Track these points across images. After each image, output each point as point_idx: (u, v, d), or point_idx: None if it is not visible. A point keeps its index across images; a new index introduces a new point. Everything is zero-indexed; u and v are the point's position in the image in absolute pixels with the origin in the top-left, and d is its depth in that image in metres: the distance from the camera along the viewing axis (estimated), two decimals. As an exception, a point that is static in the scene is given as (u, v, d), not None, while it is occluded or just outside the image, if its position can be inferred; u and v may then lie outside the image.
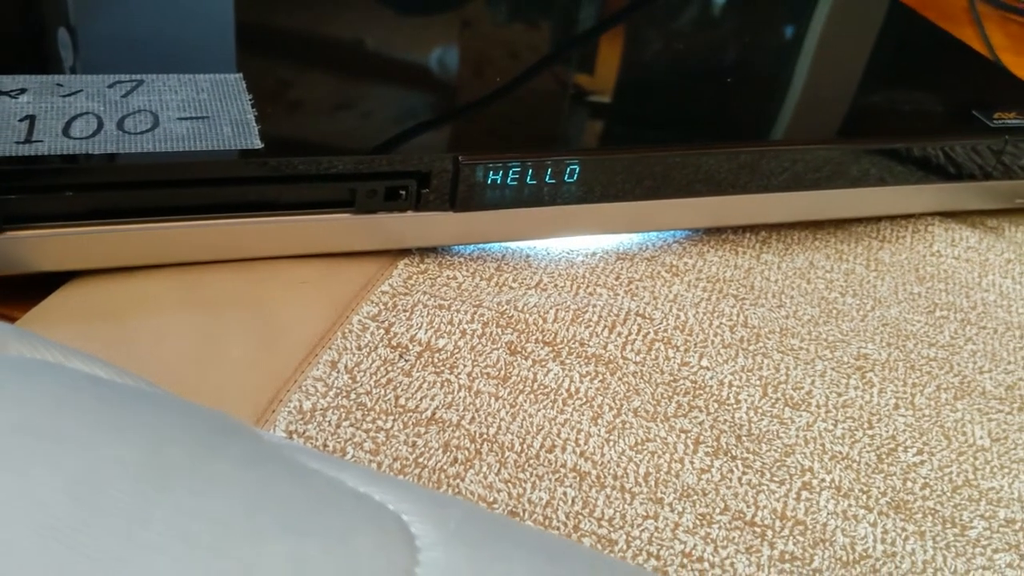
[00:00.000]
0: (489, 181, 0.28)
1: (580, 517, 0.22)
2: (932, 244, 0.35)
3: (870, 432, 0.26)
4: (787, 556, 0.23)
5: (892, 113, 0.35)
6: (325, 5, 0.35)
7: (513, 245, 0.31)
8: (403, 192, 0.28)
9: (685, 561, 0.22)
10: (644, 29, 0.38)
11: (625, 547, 0.22)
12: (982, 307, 0.32)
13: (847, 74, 0.37)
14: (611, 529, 0.22)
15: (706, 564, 0.22)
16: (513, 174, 0.29)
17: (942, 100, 0.36)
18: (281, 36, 0.32)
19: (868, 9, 0.44)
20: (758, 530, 0.23)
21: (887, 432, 0.27)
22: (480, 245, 0.30)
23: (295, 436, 0.23)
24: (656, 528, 0.23)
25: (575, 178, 0.29)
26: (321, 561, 0.14)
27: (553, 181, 0.29)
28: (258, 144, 0.26)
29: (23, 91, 0.27)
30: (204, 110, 0.27)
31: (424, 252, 0.30)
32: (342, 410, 0.24)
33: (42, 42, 0.30)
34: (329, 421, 0.23)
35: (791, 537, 0.23)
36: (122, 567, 0.13)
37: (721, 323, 0.29)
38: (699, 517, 0.23)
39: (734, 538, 0.23)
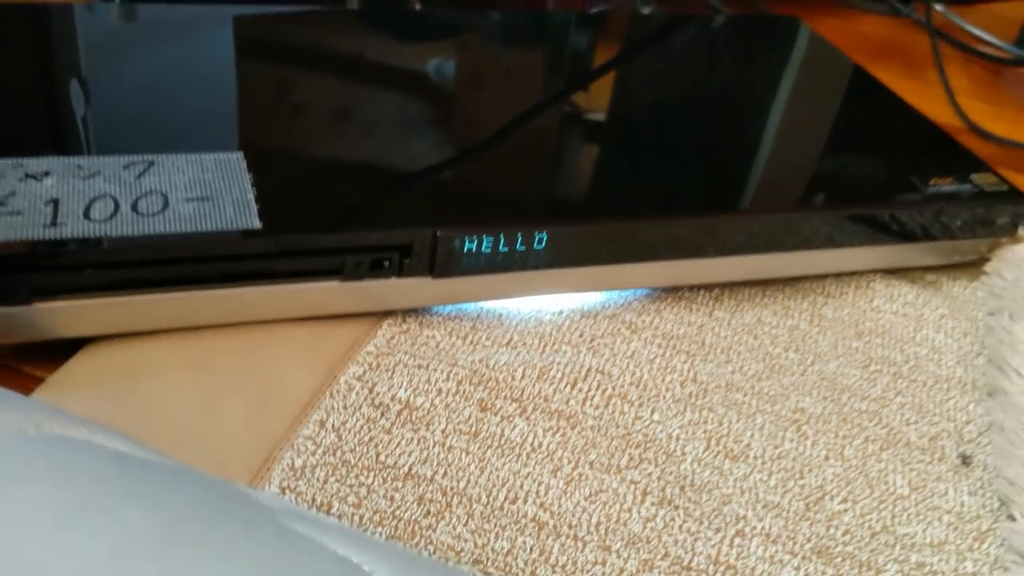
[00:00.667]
0: (464, 250, 0.32)
1: (537, 564, 0.26)
2: (872, 300, 0.38)
3: (801, 482, 0.30)
4: (717, 598, 0.26)
5: (839, 181, 0.38)
6: (315, 87, 0.38)
7: (487, 305, 0.34)
8: (387, 263, 0.31)
9: (627, 603, 0.25)
10: (609, 103, 0.41)
11: (575, 590, 0.25)
12: (914, 360, 0.36)
13: (799, 145, 0.40)
14: (564, 573, 0.26)
15: (645, 606, 0.25)
16: (486, 244, 0.32)
17: (886, 168, 0.39)
18: (276, 118, 0.36)
19: (824, 79, 0.47)
20: (693, 574, 0.26)
21: (816, 482, 0.30)
22: (457, 306, 0.34)
23: (287, 491, 0.26)
24: (604, 572, 0.26)
25: (543, 246, 0.33)
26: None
27: (523, 248, 0.32)
28: (257, 224, 0.29)
29: (47, 174, 0.30)
30: (208, 190, 0.30)
31: (406, 313, 0.33)
32: (329, 467, 0.27)
33: (61, 123, 0.33)
34: (317, 477, 0.27)
35: (722, 580, 0.26)
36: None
37: (672, 379, 0.32)
38: (642, 563, 0.26)
39: (671, 582, 0.26)
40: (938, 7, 0.73)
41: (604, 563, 0.26)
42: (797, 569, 0.27)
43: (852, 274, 0.39)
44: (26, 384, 0.29)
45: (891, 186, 0.38)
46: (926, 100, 0.61)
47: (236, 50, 0.39)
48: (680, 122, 0.40)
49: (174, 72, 0.37)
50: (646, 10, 0.52)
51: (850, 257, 0.38)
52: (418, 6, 0.51)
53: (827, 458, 0.31)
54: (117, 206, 0.29)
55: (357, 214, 0.31)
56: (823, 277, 0.39)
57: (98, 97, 0.34)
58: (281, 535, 0.20)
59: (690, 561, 0.27)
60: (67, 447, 0.20)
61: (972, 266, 0.41)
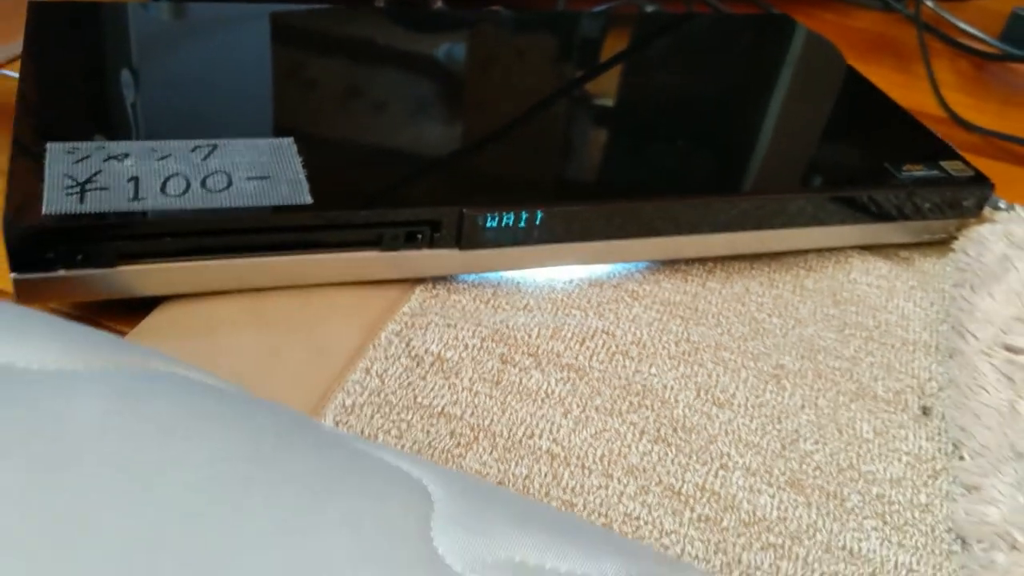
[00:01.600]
0: (487, 226, 0.36)
1: (550, 487, 0.30)
2: (850, 272, 0.43)
3: (778, 426, 0.34)
4: (703, 517, 0.31)
5: (823, 166, 0.42)
6: (350, 78, 0.43)
7: (507, 274, 0.39)
8: (420, 235, 0.36)
9: (626, 519, 0.30)
10: (615, 93, 0.46)
11: (582, 508, 0.30)
12: (885, 326, 0.40)
13: (788, 133, 0.45)
14: (572, 496, 0.30)
15: (641, 522, 0.30)
16: (506, 220, 0.36)
17: (865, 155, 0.44)
18: (319, 106, 0.40)
19: (814, 74, 0.51)
20: (683, 498, 0.31)
21: (792, 427, 0.34)
22: (480, 275, 0.38)
23: (340, 425, 0.31)
24: (606, 495, 0.30)
25: (556, 223, 0.37)
26: (371, 511, 0.22)
27: (538, 224, 0.37)
28: (308, 200, 0.34)
29: (127, 155, 0.35)
30: (266, 171, 0.35)
31: (436, 281, 0.38)
32: (374, 406, 0.32)
33: (133, 111, 0.37)
34: (365, 414, 0.31)
35: (707, 504, 0.31)
36: (241, 515, 0.21)
37: (668, 339, 0.37)
38: (639, 488, 0.31)
39: (664, 504, 0.31)
40: (928, 2, 0.77)
41: (607, 487, 0.31)
42: (772, 497, 0.32)
43: (832, 250, 0.44)
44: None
45: (869, 171, 0.43)
46: (913, 92, 0.65)
47: (276, 45, 0.44)
48: (679, 112, 0.44)
49: (225, 65, 0.41)
50: (650, 8, 0.57)
51: (831, 235, 0.43)
52: (439, 4, 0.55)
53: (802, 407, 0.35)
54: (188, 184, 0.34)
55: (393, 193, 0.35)
56: (806, 252, 0.43)
57: (161, 88, 0.39)
58: (347, 449, 0.24)
59: (680, 488, 0.31)
60: (170, 380, 0.25)
61: (941, 244, 0.45)
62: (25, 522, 0.20)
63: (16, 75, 0.47)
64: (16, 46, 0.49)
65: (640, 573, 0.23)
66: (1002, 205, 0.48)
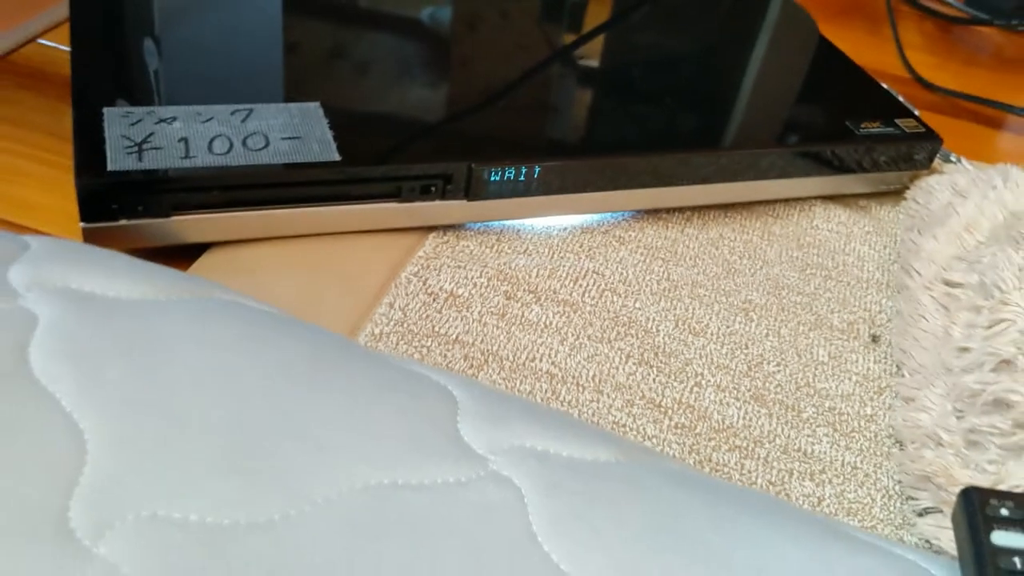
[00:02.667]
0: (492, 179, 0.41)
1: (550, 401, 0.36)
2: (813, 220, 0.48)
3: (746, 352, 0.40)
4: (680, 425, 0.36)
5: (790, 124, 0.47)
6: (370, 47, 0.47)
7: (509, 223, 0.44)
8: (433, 188, 0.41)
9: (615, 427, 0.35)
10: (602, 58, 0.51)
11: (577, 417, 0.35)
12: (842, 267, 0.45)
13: (760, 94, 0.50)
14: (569, 408, 0.36)
15: (627, 429, 0.35)
16: (508, 174, 0.41)
17: (828, 114, 0.49)
18: (341, 73, 0.45)
19: (786, 40, 0.56)
20: (662, 409, 0.36)
21: (757, 351, 0.40)
22: (486, 223, 0.43)
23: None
24: (597, 408, 0.36)
25: (551, 176, 0.42)
26: (412, 406, 0.27)
27: (536, 178, 0.42)
28: (337, 158, 0.39)
29: (175, 118, 0.39)
30: (298, 131, 0.40)
31: (447, 228, 0.43)
32: (398, 334, 0.37)
33: (176, 79, 0.42)
34: (391, 341, 0.36)
35: (683, 414, 0.36)
36: (312, 401, 0.26)
37: (651, 278, 0.42)
38: (625, 402, 0.36)
39: (647, 414, 0.36)
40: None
41: (598, 402, 0.36)
42: (739, 409, 0.37)
43: (797, 200, 0.49)
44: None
45: (831, 128, 0.48)
46: (881, 54, 0.70)
47: (298, 15, 0.48)
48: (662, 74, 0.49)
49: (257, 35, 0.46)
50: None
51: (796, 186, 0.48)
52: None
53: (767, 335, 0.41)
54: (231, 144, 0.38)
55: (409, 150, 0.40)
56: (774, 202, 0.48)
57: (198, 56, 0.44)
58: (385, 361, 0.30)
59: (660, 401, 0.37)
60: (235, 305, 0.30)
61: (896, 193, 0.51)
62: (139, 415, 0.25)
63: (52, 44, 0.52)
64: (24, 28, 0.53)
65: (629, 459, 0.29)
66: (952, 158, 0.53)
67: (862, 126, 0.48)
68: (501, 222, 0.44)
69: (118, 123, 0.38)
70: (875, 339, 0.42)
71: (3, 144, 0.44)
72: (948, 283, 0.41)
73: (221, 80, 0.42)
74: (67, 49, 0.51)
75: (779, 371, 0.39)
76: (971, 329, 0.37)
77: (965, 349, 0.37)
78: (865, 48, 0.70)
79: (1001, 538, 0.26)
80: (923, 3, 0.77)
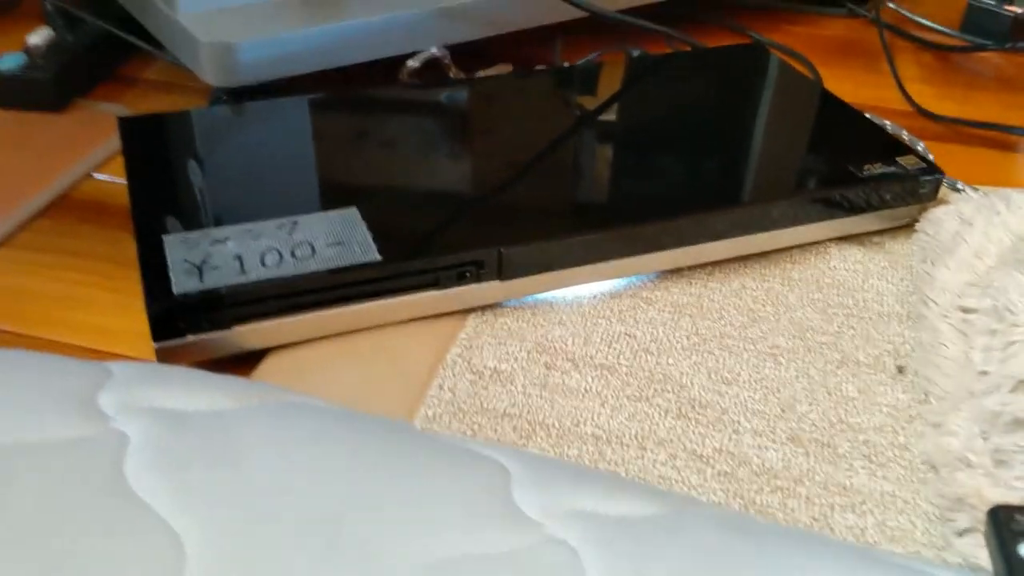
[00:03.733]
0: (522, 262, 0.44)
1: (596, 462, 0.38)
2: (829, 261, 0.50)
3: (778, 395, 0.42)
4: (722, 472, 0.38)
5: (798, 174, 0.50)
6: (393, 150, 0.51)
7: (541, 296, 0.47)
8: (468, 274, 0.44)
9: (660, 481, 0.38)
10: (615, 132, 0.54)
11: (624, 476, 0.38)
12: (863, 303, 0.48)
13: (767, 149, 0.52)
14: (615, 467, 0.38)
15: (672, 481, 0.38)
16: (536, 253, 0.45)
17: (833, 160, 0.51)
18: (371, 177, 0.49)
19: (786, 97, 0.59)
20: (704, 459, 0.39)
21: (789, 394, 0.42)
22: (520, 299, 0.46)
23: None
24: (643, 464, 0.38)
25: (577, 250, 0.45)
26: (470, 482, 0.30)
27: (562, 253, 0.45)
28: (378, 258, 0.42)
29: (227, 238, 0.43)
30: (340, 237, 0.43)
31: (485, 308, 0.46)
32: (450, 414, 0.40)
33: (221, 201, 0.46)
34: (444, 421, 0.39)
35: (724, 461, 0.39)
36: (381, 491, 0.29)
37: (680, 334, 0.45)
38: (668, 456, 0.39)
39: (690, 466, 0.38)
40: (889, 3, 0.85)
41: (642, 458, 0.39)
42: (777, 451, 0.39)
43: (813, 244, 0.51)
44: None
45: (837, 174, 0.50)
46: (881, 89, 0.72)
47: (322, 127, 0.52)
48: (673, 141, 0.52)
49: (288, 151, 0.50)
50: (635, 53, 0.65)
51: (810, 231, 0.50)
52: (452, 73, 0.64)
53: (797, 377, 0.43)
54: (281, 256, 0.42)
55: (443, 241, 0.44)
56: (790, 248, 0.51)
57: (239, 177, 0.48)
58: (442, 443, 0.32)
59: (701, 452, 0.39)
60: (304, 406, 0.33)
61: (907, 227, 0.53)
62: (229, 514, 0.28)
63: (106, 178, 0.56)
64: (80, 165, 0.58)
65: (674, 510, 0.31)
66: (959, 186, 0.55)
67: (865, 168, 0.51)
68: (535, 296, 0.47)
69: (178, 248, 0.42)
70: (901, 370, 0.44)
71: (73, 276, 0.48)
72: (964, 309, 0.43)
73: (265, 195, 0.46)
74: (120, 181, 0.56)
75: (812, 411, 0.41)
76: (988, 352, 0.39)
77: (984, 372, 0.39)
78: (865, 86, 0.73)
79: (1029, 550, 0.28)
80: (918, 35, 0.80)
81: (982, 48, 0.77)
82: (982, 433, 0.37)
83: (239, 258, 0.42)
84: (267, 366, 0.42)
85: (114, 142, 0.59)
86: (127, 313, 0.46)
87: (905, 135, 0.63)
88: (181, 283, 0.40)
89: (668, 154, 0.51)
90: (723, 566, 0.28)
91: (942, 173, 0.51)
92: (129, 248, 0.50)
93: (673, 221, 0.46)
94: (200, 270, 0.41)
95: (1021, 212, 0.47)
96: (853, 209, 0.50)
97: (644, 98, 0.58)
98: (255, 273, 0.41)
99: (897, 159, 0.52)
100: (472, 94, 0.57)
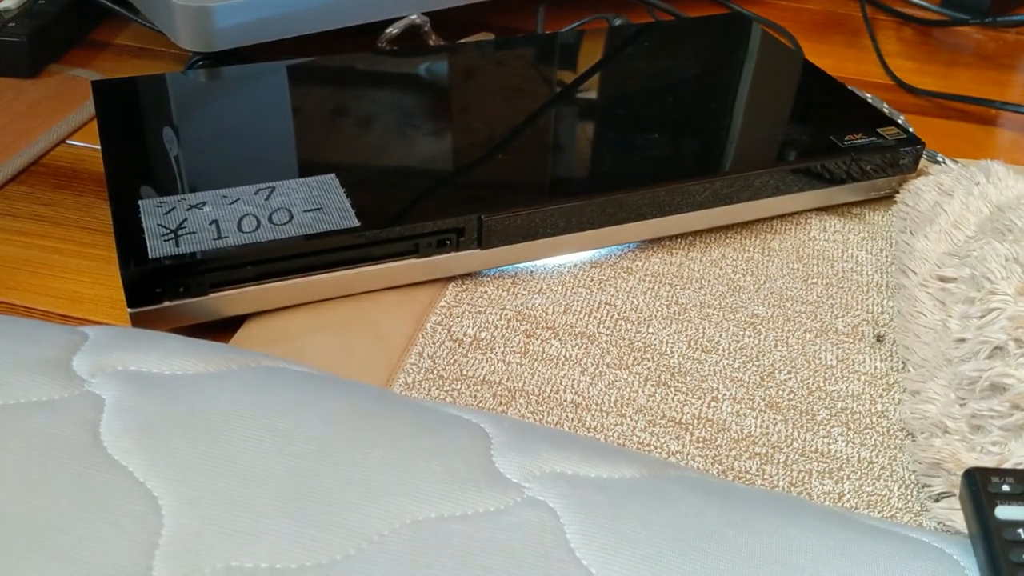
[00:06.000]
0: (502, 227, 0.44)
1: (577, 428, 0.38)
2: (809, 232, 0.50)
3: (757, 363, 0.42)
4: (701, 439, 0.38)
5: (779, 144, 0.50)
6: (372, 116, 0.50)
7: (521, 265, 0.46)
8: (448, 242, 0.44)
9: (640, 447, 0.38)
10: (597, 100, 0.54)
11: (604, 441, 0.38)
12: (842, 273, 0.48)
13: (749, 119, 0.52)
14: (595, 433, 0.38)
15: (651, 447, 0.38)
16: (516, 221, 0.44)
17: (814, 130, 0.51)
18: (350, 144, 0.48)
19: (768, 67, 0.59)
20: (683, 426, 0.39)
21: (768, 362, 0.42)
22: (500, 268, 0.46)
23: (406, 398, 0.39)
24: (622, 431, 0.38)
25: (557, 218, 0.45)
26: (449, 445, 0.30)
27: (543, 222, 0.45)
28: (356, 223, 0.42)
29: (204, 203, 0.42)
30: (318, 203, 0.43)
31: (464, 277, 0.45)
32: (429, 381, 0.39)
33: (198, 166, 0.45)
34: (424, 388, 0.39)
35: (704, 428, 0.39)
36: (358, 453, 0.29)
37: (660, 303, 0.45)
38: (648, 423, 0.39)
39: (669, 432, 0.38)
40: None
41: (622, 425, 0.39)
42: (756, 418, 0.39)
43: (793, 214, 0.51)
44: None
45: (818, 144, 0.50)
46: (863, 64, 0.72)
47: (304, 93, 0.52)
48: (655, 110, 0.52)
49: (265, 116, 0.49)
50: (617, 22, 0.64)
51: (791, 202, 0.50)
52: (432, 41, 0.63)
53: (776, 346, 0.43)
54: (259, 221, 0.42)
55: (423, 208, 0.43)
56: (771, 219, 0.51)
57: (216, 142, 0.47)
58: (421, 407, 0.32)
59: (680, 419, 0.39)
60: (280, 371, 0.33)
61: (887, 199, 0.53)
62: (205, 477, 0.28)
63: (80, 144, 0.55)
64: (53, 131, 0.57)
65: (651, 473, 0.31)
66: (939, 158, 0.55)
67: (846, 139, 0.51)
68: (515, 265, 0.46)
69: (153, 213, 0.42)
70: (879, 339, 0.44)
71: (47, 243, 0.47)
72: (942, 279, 0.44)
73: (242, 161, 0.46)
74: (94, 147, 0.55)
75: (790, 378, 0.41)
76: (966, 320, 0.39)
77: (962, 340, 0.39)
78: (847, 60, 0.73)
79: (1004, 512, 0.29)
80: (900, 10, 0.80)
81: (963, 23, 0.77)
82: (959, 399, 0.37)
83: (215, 223, 0.41)
84: (245, 333, 0.42)
85: (88, 108, 0.58)
86: (102, 279, 0.45)
87: (886, 108, 0.63)
88: (157, 248, 0.40)
89: (649, 124, 0.51)
90: (700, 526, 0.28)
91: (922, 144, 0.51)
92: (104, 214, 0.50)
93: (653, 190, 0.46)
94: (176, 235, 0.40)
95: (1000, 183, 0.47)
96: (833, 180, 0.50)
97: (625, 68, 0.57)
98: (232, 238, 0.41)
99: (878, 130, 0.52)
100: (453, 62, 0.56)
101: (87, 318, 0.43)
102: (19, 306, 0.43)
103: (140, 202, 0.42)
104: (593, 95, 0.54)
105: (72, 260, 0.46)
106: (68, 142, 0.56)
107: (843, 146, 0.50)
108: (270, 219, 0.42)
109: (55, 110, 0.57)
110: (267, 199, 0.43)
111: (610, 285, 0.46)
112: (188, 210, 0.42)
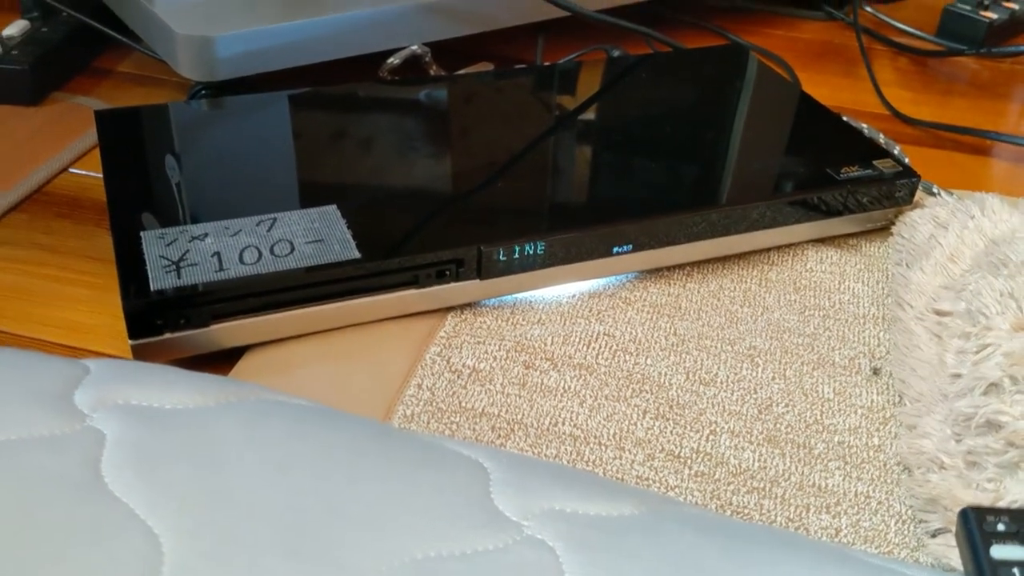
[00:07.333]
0: (501, 259, 0.44)
1: (575, 462, 0.38)
2: (806, 263, 0.51)
3: (754, 396, 0.42)
4: (699, 473, 0.38)
5: (776, 177, 0.50)
6: (372, 147, 0.51)
7: (521, 295, 0.47)
8: (447, 272, 0.44)
9: (638, 481, 0.38)
10: (594, 130, 0.54)
11: (602, 476, 0.38)
12: (839, 305, 0.48)
13: (746, 150, 0.53)
14: (593, 467, 0.38)
15: (650, 481, 0.38)
16: (516, 252, 0.45)
17: (811, 163, 0.52)
18: (350, 175, 0.48)
19: (766, 99, 0.59)
20: (682, 460, 0.39)
21: (766, 395, 0.42)
22: (500, 298, 0.46)
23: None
24: (620, 464, 0.38)
25: (556, 249, 0.45)
26: (447, 481, 0.30)
27: (541, 252, 0.45)
28: (357, 255, 0.42)
29: (206, 235, 0.43)
30: (319, 234, 0.43)
31: (464, 307, 0.46)
32: (428, 413, 0.40)
33: (201, 198, 0.46)
34: (423, 420, 0.39)
35: (702, 462, 0.39)
36: (356, 486, 0.29)
37: (659, 334, 0.45)
38: (646, 456, 0.39)
39: (667, 466, 0.39)
40: (867, 8, 0.86)
41: (620, 459, 0.39)
42: (754, 452, 0.40)
43: (790, 245, 0.52)
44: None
45: (814, 176, 0.51)
46: (859, 93, 0.73)
47: (304, 123, 0.52)
48: (653, 141, 0.53)
49: (267, 147, 0.50)
50: (616, 53, 0.65)
51: (788, 233, 0.51)
52: (432, 71, 0.63)
53: (773, 378, 0.43)
54: (260, 253, 0.42)
55: (423, 239, 0.44)
56: (768, 250, 0.51)
57: (219, 172, 0.47)
58: (420, 441, 0.32)
59: (679, 452, 0.39)
60: (279, 404, 0.33)
61: (883, 230, 0.53)
62: (204, 511, 0.28)
63: (83, 172, 0.56)
64: (55, 160, 0.57)
65: (650, 509, 0.31)
66: (934, 190, 0.56)
67: (843, 171, 0.51)
68: (513, 296, 0.47)
69: (155, 245, 0.42)
70: (876, 372, 0.44)
71: (48, 272, 0.47)
72: (938, 312, 0.44)
73: (244, 191, 0.46)
74: (96, 175, 0.55)
75: (788, 412, 0.42)
76: (962, 355, 0.40)
77: (957, 375, 0.39)
78: (844, 89, 0.73)
79: (1000, 552, 0.29)
80: (896, 40, 0.81)
81: (958, 53, 0.78)
82: (955, 435, 0.38)
83: (217, 255, 0.42)
84: (245, 364, 0.42)
85: (90, 136, 0.58)
86: (103, 309, 0.45)
87: (882, 139, 0.64)
88: (158, 280, 0.40)
89: (647, 155, 0.51)
90: (698, 565, 0.28)
91: (918, 176, 0.52)
92: (105, 243, 0.50)
93: (651, 221, 0.47)
94: (178, 267, 0.41)
95: (995, 216, 0.48)
96: (830, 212, 0.51)
97: (624, 99, 0.58)
98: (233, 270, 0.41)
99: (874, 162, 0.52)
100: (452, 92, 0.57)
101: (88, 348, 0.43)
102: (20, 336, 0.44)
103: (142, 233, 0.43)
104: (590, 126, 0.54)
105: (73, 289, 0.46)
106: (70, 170, 0.56)
107: (839, 178, 0.50)
108: (272, 251, 0.42)
109: (58, 137, 0.58)
110: (269, 230, 0.43)
111: (608, 315, 0.46)
112: (190, 241, 0.42)
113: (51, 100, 0.62)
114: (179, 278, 0.40)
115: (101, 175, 0.54)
